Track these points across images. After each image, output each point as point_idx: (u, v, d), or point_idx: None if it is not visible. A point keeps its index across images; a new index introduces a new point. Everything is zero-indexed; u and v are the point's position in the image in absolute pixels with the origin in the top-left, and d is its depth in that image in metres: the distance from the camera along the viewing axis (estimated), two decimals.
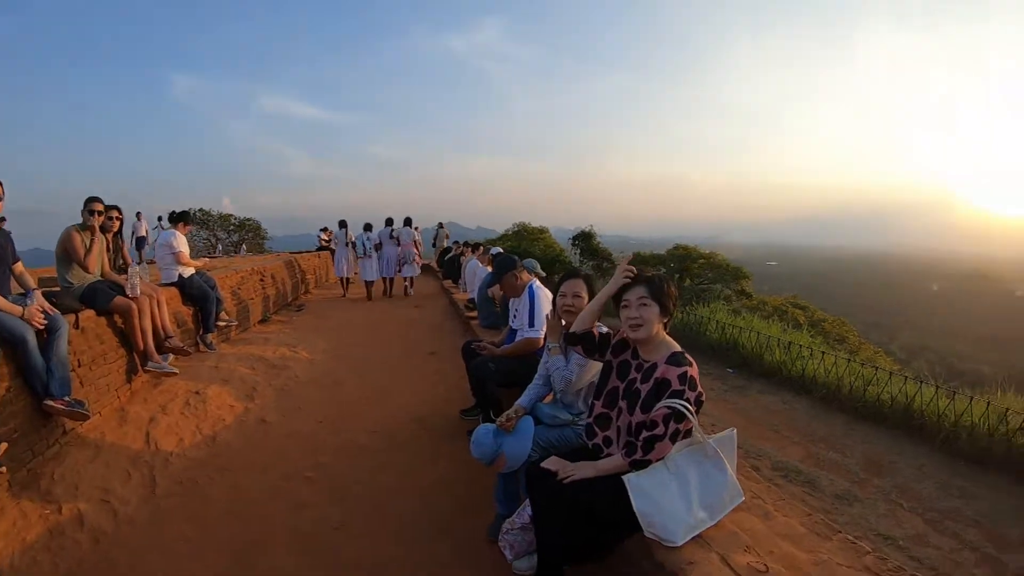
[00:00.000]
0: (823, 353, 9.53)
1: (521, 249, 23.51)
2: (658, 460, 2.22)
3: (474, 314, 8.27)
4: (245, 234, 32.38)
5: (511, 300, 4.64)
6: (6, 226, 4.09)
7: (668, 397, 2.18)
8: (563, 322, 3.07)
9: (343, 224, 13.36)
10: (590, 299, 2.94)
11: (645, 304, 2.32)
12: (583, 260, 26.04)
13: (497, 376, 4.13)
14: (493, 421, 3.63)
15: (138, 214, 18.51)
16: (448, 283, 14.10)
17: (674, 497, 2.19)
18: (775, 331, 11.71)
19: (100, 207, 4.75)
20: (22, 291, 3.89)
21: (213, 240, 30.73)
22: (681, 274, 23.04)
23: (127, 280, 4.88)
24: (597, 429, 2.51)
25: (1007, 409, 6.52)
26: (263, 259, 13.18)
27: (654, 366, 2.29)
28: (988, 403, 6.71)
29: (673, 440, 2.20)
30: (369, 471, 4.02)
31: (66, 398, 3.74)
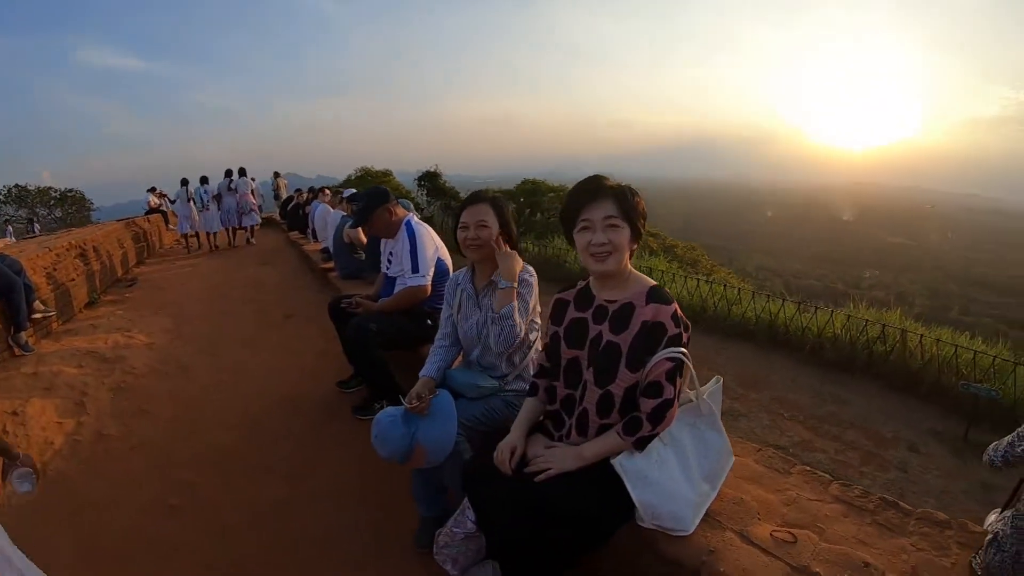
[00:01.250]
0: (685, 277, 10.56)
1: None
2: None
3: (330, 265, 7.62)
4: (68, 208, 29.88)
5: (384, 242, 4.10)
6: None
7: (666, 346, 1.73)
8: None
9: (184, 182, 13.06)
10: (502, 227, 2.46)
11: (615, 225, 1.77)
12: (430, 200, 26.04)
13: (380, 338, 3.54)
14: (386, 401, 3.06)
15: None
16: (295, 235, 13.14)
17: (676, 475, 1.83)
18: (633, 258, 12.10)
19: None
20: None
21: (32, 218, 27.48)
22: (531, 208, 23.14)
23: None
24: (566, 416, 1.98)
25: (866, 321, 7.33)
26: (82, 231, 11.32)
27: (630, 308, 1.81)
28: (848, 316, 7.46)
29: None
30: (244, 483, 3.30)
31: None
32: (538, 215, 22.83)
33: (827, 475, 2.15)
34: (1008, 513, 1.64)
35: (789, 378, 6.26)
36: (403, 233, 3.74)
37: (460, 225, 2.50)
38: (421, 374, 2.56)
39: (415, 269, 3.62)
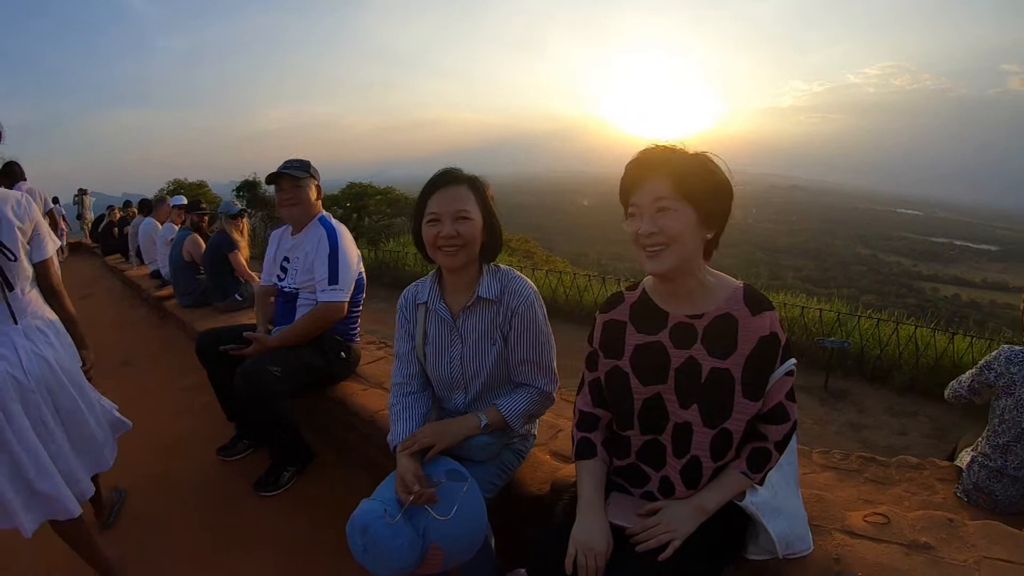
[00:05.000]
0: (533, 269, 11.44)
1: None
2: None
3: (167, 292, 6.34)
4: None
5: (276, 243, 3.18)
6: None
7: (783, 359, 1.39)
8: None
9: None
10: (484, 215, 1.81)
11: (666, 208, 1.33)
12: (252, 212, 24.79)
13: (286, 384, 2.67)
14: (293, 467, 2.50)
15: None
16: (113, 259, 11.21)
17: (789, 493, 1.56)
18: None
19: None
20: None
21: None
22: (359, 213, 23.26)
23: None
24: (649, 470, 1.53)
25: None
26: None
27: (728, 321, 1.40)
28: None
29: None
30: None
31: None
32: (366, 220, 23.03)
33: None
34: (983, 435, 1.99)
35: None
36: (318, 231, 2.91)
37: (429, 218, 1.78)
38: (393, 442, 1.84)
39: (333, 280, 2.81)
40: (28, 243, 2.07)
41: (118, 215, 13.02)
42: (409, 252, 13.27)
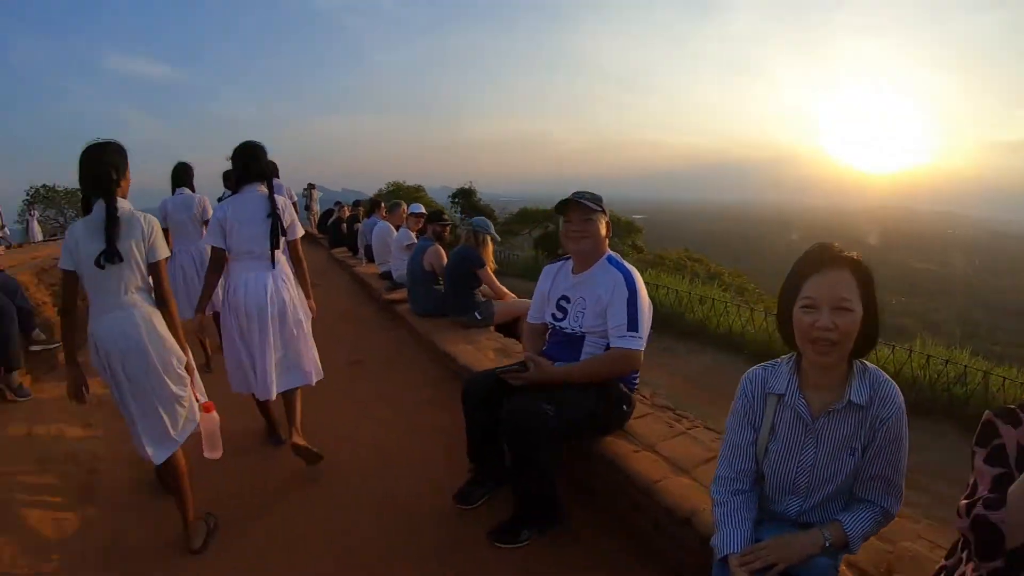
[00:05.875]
0: (751, 310, 10.42)
1: None
2: None
3: (399, 296, 6.42)
4: None
5: (552, 279, 2.93)
6: None
7: None
8: None
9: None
10: (866, 305, 1.56)
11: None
12: (464, 218, 25.82)
13: (561, 427, 2.43)
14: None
15: None
16: (340, 251, 11.94)
17: None
18: (683, 286, 12.50)
19: None
20: None
21: (61, 220, 28.34)
22: None
23: None
24: None
25: (947, 361, 7.63)
26: None
27: None
28: (928, 357, 7.68)
29: None
30: None
31: None
32: None
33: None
34: None
35: None
36: (611, 275, 2.65)
37: (803, 303, 1.57)
38: (724, 550, 1.64)
39: (633, 327, 2.54)
40: (288, 226, 3.26)
41: (347, 212, 13.89)
42: None
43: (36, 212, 21.28)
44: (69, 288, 2.47)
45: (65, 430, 3.91)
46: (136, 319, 2.43)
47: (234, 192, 3.26)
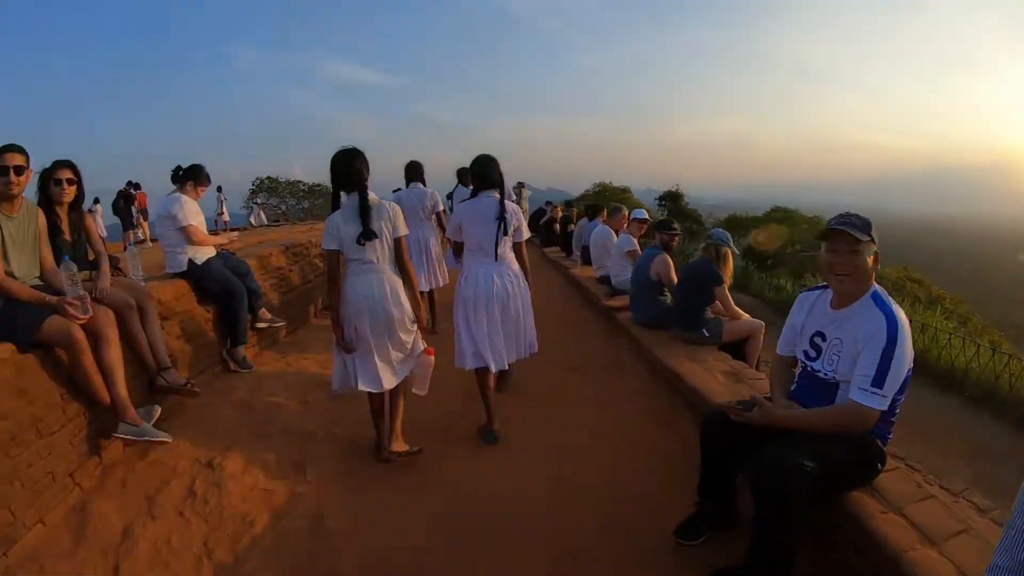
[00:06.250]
0: (978, 345, 8.92)
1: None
2: None
3: (618, 303, 6.05)
4: (315, 200, 32.73)
5: (806, 310, 2.56)
6: None
7: None
8: None
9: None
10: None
11: None
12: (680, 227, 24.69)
13: (820, 486, 2.12)
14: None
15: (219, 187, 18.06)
16: (552, 251, 11.82)
17: None
18: (906, 310, 10.05)
19: (17, 159, 2.83)
20: None
21: (283, 208, 31.35)
22: (783, 240, 21.59)
23: (97, 281, 3.26)
24: None
25: None
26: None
27: None
28: None
29: None
30: None
31: None
32: (789, 248, 21.29)
33: None
34: None
35: None
36: (875, 316, 2.25)
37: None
38: None
39: (877, 383, 2.17)
40: (515, 229, 3.58)
41: (559, 212, 13.87)
42: None
43: (259, 199, 23.96)
44: (333, 263, 3.09)
45: (283, 404, 4.00)
46: (383, 282, 3.06)
47: (473, 195, 3.69)
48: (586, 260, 8.93)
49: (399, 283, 3.13)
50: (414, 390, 3.32)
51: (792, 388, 2.57)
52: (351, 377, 3.16)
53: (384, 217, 3.05)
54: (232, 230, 16.05)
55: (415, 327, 3.24)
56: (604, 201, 25.32)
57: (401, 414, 3.37)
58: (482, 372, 3.60)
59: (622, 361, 4.98)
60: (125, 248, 13.25)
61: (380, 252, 3.06)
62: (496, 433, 3.61)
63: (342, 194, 3.10)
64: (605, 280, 7.12)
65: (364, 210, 2.98)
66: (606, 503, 2.90)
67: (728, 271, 4.65)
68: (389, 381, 3.17)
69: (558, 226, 12.67)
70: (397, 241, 3.11)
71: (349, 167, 3.03)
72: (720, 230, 4.86)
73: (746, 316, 4.76)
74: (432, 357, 3.30)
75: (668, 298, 5.09)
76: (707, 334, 4.59)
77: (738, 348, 4.62)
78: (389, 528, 2.74)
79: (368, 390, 3.16)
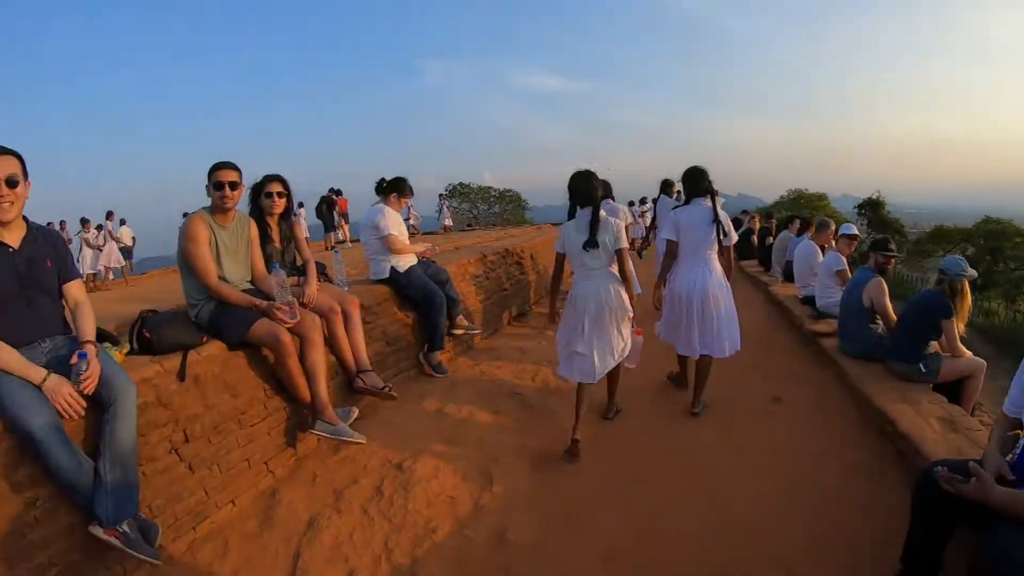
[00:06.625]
0: None
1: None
2: None
3: (826, 329, 5.58)
4: (506, 205, 33.67)
5: None
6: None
7: None
8: None
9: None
10: None
11: None
12: (870, 232, 22.69)
13: None
14: None
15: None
16: (749, 265, 11.23)
17: None
18: None
19: (232, 175, 3.05)
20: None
21: (474, 212, 32.41)
22: (993, 255, 19.48)
23: (306, 287, 3.47)
24: None
25: None
26: (521, 232, 11.10)
27: None
28: None
29: None
30: None
31: (123, 527, 2.19)
32: (1000, 265, 19.41)
33: None
34: None
35: None
36: None
37: None
38: None
39: None
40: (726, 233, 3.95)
41: (758, 224, 13.03)
42: None
43: (446, 203, 24.96)
44: (559, 263, 3.81)
45: (475, 413, 4.05)
46: (607, 285, 3.55)
47: (685, 203, 4.10)
48: (787, 277, 8.37)
49: (618, 285, 3.59)
50: (626, 364, 3.83)
51: (1016, 455, 2.12)
52: (572, 369, 3.67)
53: (609, 231, 3.56)
54: (424, 234, 17.11)
55: (629, 321, 3.70)
56: (799, 209, 23.75)
57: (619, 384, 4.02)
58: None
59: (829, 395, 4.48)
60: (327, 248, 14.52)
61: (601, 259, 3.56)
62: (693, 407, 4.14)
63: (578, 208, 3.64)
64: (809, 301, 6.57)
65: (594, 223, 3.51)
66: (803, 560, 2.54)
67: (965, 307, 4.07)
68: (603, 370, 3.63)
69: (756, 238, 11.91)
70: (619, 251, 3.57)
71: (588, 185, 3.58)
72: (952, 259, 4.21)
73: (968, 354, 4.13)
74: (641, 337, 3.81)
75: (879, 326, 4.57)
76: (924, 370, 4.07)
77: (953, 388, 4.08)
78: (567, 550, 2.66)
79: (582, 381, 3.65)
